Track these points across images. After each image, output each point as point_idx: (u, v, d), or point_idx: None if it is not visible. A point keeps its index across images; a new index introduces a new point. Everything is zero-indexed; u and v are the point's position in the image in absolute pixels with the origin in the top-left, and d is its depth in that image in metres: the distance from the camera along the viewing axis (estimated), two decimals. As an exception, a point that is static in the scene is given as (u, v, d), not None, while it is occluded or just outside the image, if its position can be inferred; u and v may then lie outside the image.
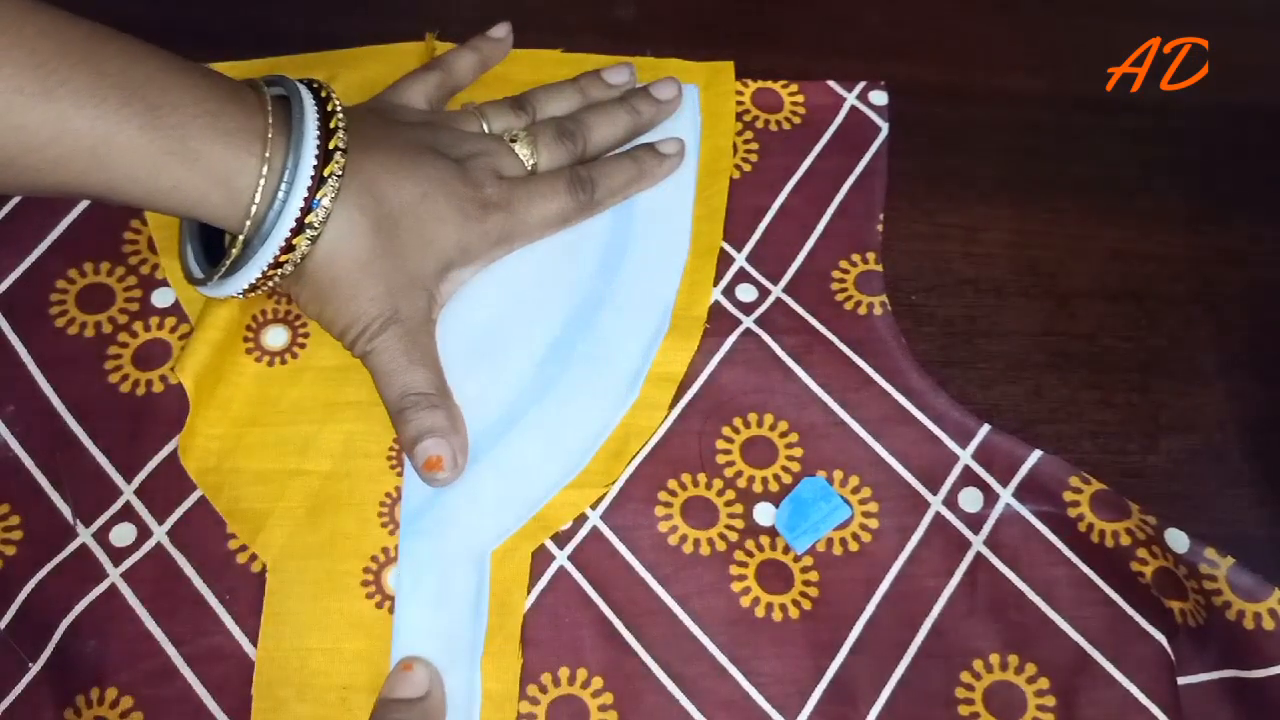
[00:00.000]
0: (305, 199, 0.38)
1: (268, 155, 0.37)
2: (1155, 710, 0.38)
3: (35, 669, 0.37)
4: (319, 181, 0.38)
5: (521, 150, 0.44)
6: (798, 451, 0.42)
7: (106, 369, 0.42)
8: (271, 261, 0.38)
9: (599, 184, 0.45)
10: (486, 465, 0.41)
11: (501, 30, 0.50)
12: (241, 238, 0.38)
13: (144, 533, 0.39)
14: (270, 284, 0.40)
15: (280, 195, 0.38)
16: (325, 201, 0.38)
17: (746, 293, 0.45)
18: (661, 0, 0.53)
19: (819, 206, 0.47)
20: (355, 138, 0.40)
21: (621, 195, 0.46)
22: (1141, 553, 0.40)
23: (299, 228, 0.38)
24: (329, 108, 0.39)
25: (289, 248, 0.38)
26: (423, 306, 0.41)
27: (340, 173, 0.38)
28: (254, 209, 0.38)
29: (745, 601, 0.40)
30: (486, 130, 0.45)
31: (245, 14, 0.49)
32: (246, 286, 0.39)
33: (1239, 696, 0.39)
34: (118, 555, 0.39)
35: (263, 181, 0.37)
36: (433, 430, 0.40)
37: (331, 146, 0.38)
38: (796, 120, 0.49)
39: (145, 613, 0.38)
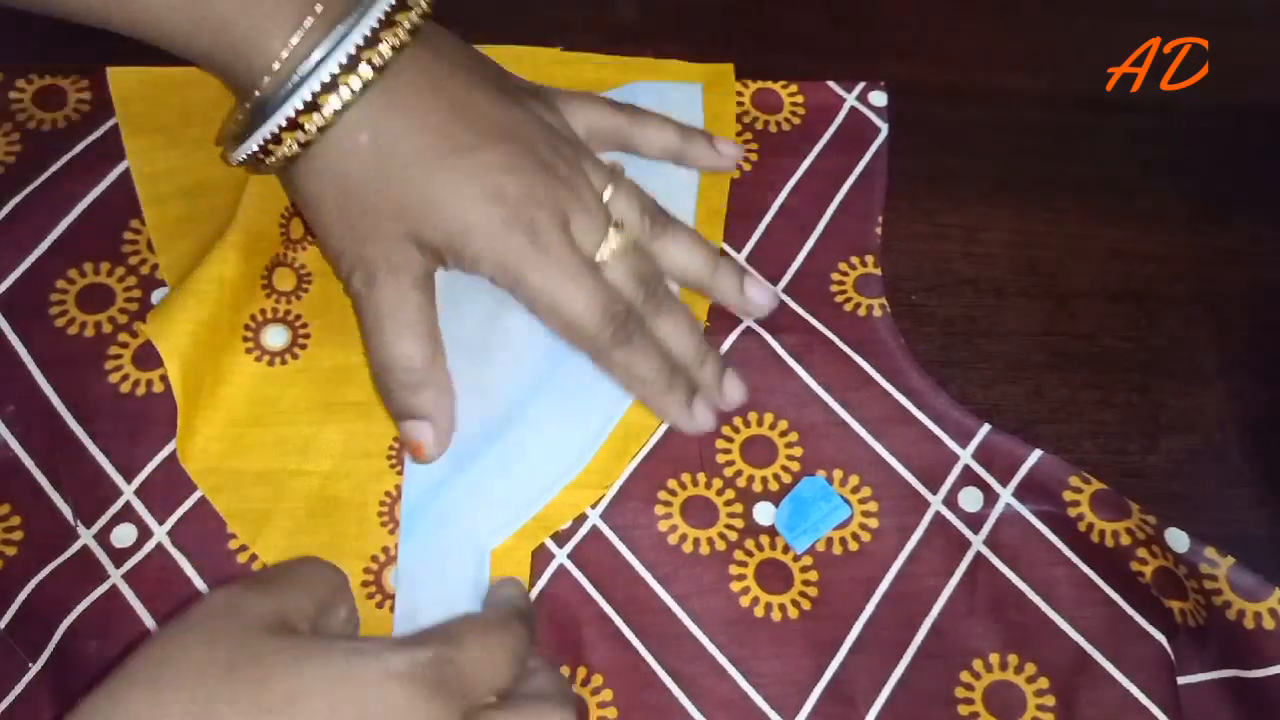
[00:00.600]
0: (353, 52, 0.35)
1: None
2: (1155, 710, 0.38)
3: (35, 669, 0.37)
4: (372, 41, 0.36)
5: (618, 239, 0.39)
6: (797, 451, 0.42)
7: (106, 369, 0.42)
8: (291, 116, 0.36)
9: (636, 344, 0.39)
10: (487, 464, 0.41)
11: (732, 149, 0.46)
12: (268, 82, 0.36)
13: (145, 533, 0.39)
14: (281, 155, 0.37)
15: (328, 43, 0.35)
16: (372, 62, 0.36)
17: (746, 292, 0.45)
18: (662, 0, 0.53)
19: (818, 207, 0.47)
20: (443, 47, 0.38)
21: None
22: (1141, 552, 0.40)
23: (332, 84, 0.36)
24: None
25: (314, 105, 0.36)
26: (417, 260, 0.39)
27: (399, 43, 0.36)
28: (291, 48, 0.35)
29: (745, 601, 0.40)
30: (596, 186, 0.40)
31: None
32: (258, 147, 0.37)
33: (1239, 696, 0.39)
34: (119, 556, 0.39)
35: (310, 20, 0.35)
36: (414, 411, 0.39)
37: (401, 19, 0.36)
38: (796, 121, 0.49)
39: (146, 613, 0.38)
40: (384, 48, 0.36)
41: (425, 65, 0.38)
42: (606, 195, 0.40)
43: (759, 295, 0.43)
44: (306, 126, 0.36)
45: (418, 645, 0.30)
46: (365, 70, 0.36)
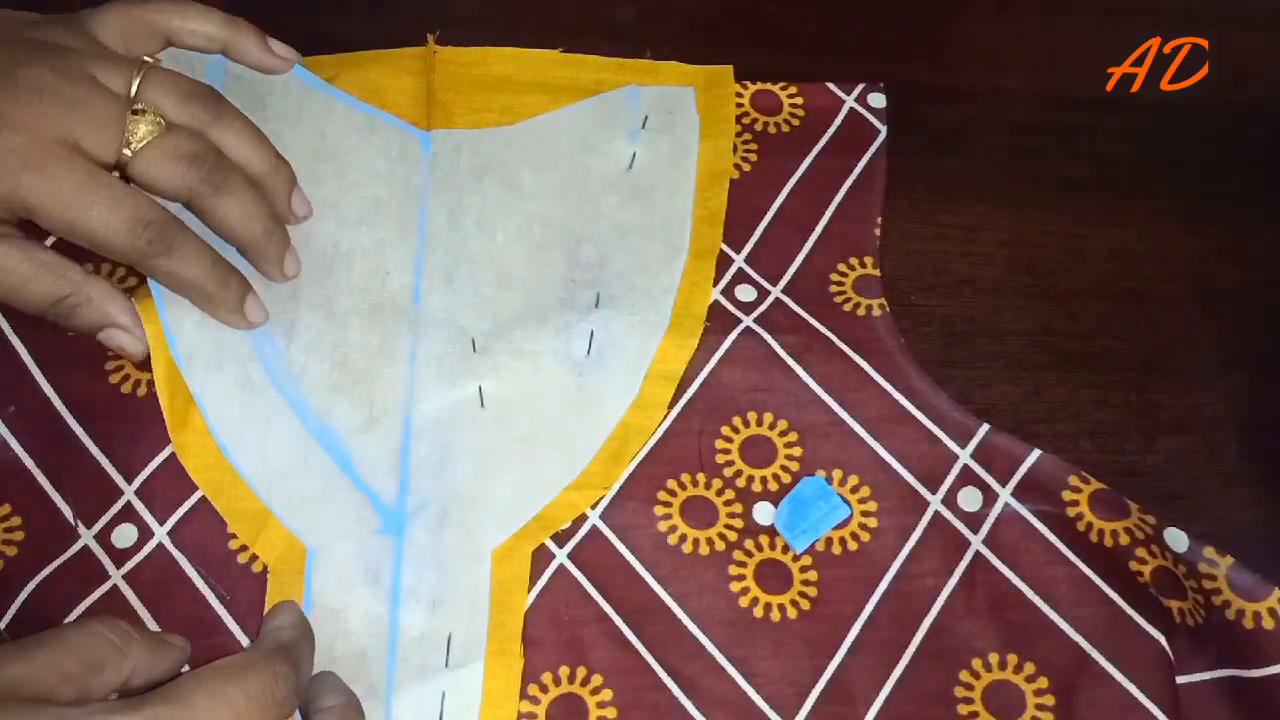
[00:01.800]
0: None
1: None
2: (1154, 709, 0.38)
3: (36, 668, 0.37)
4: None
5: (141, 127, 0.39)
6: (797, 451, 0.42)
7: (107, 369, 0.42)
8: None
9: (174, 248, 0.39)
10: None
11: (286, 51, 0.47)
12: None
13: (145, 533, 0.39)
14: None
15: None
16: None
17: (746, 293, 0.45)
18: (661, 0, 0.53)
19: (817, 209, 0.47)
20: None
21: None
22: (1140, 552, 0.40)
23: None
24: None
25: None
26: None
27: None
28: None
29: (744, 601, 0.40)
30: (115, 86, 0.39)
31: (245, 15, 0.49)
32: None
33: (1238, 696, 0.39)
34: (120, 557, 0.39)
35: None
36: (88, 329, 0.40)
37: None
38: (795, 123, 0.49)
39: (146, 614, 0.38)
40: None
41: None
42: (134, 88, 0.40)
43: (301, 208, 0.44)
44: None
45: (131, 710, 0.29)
46: None
